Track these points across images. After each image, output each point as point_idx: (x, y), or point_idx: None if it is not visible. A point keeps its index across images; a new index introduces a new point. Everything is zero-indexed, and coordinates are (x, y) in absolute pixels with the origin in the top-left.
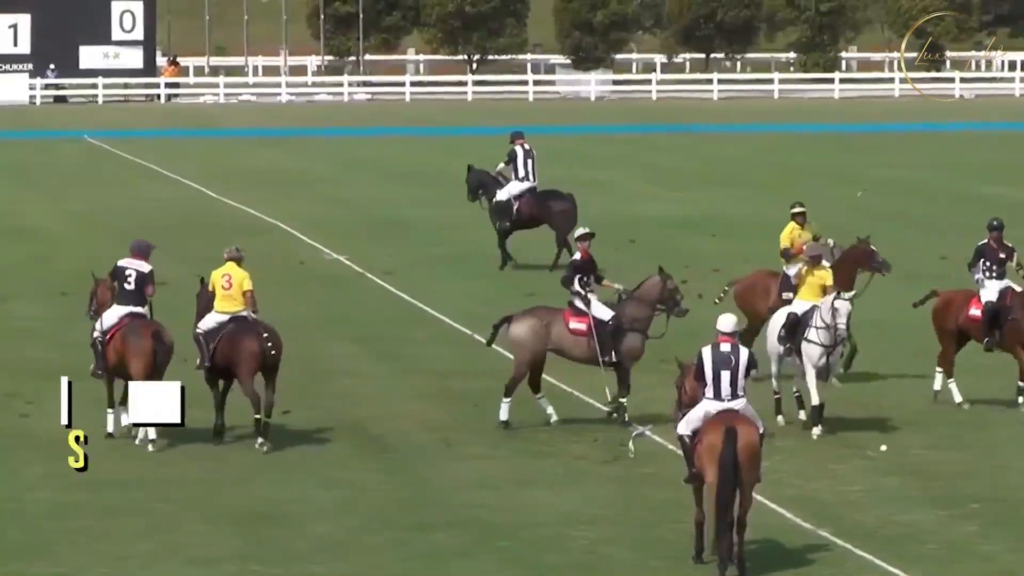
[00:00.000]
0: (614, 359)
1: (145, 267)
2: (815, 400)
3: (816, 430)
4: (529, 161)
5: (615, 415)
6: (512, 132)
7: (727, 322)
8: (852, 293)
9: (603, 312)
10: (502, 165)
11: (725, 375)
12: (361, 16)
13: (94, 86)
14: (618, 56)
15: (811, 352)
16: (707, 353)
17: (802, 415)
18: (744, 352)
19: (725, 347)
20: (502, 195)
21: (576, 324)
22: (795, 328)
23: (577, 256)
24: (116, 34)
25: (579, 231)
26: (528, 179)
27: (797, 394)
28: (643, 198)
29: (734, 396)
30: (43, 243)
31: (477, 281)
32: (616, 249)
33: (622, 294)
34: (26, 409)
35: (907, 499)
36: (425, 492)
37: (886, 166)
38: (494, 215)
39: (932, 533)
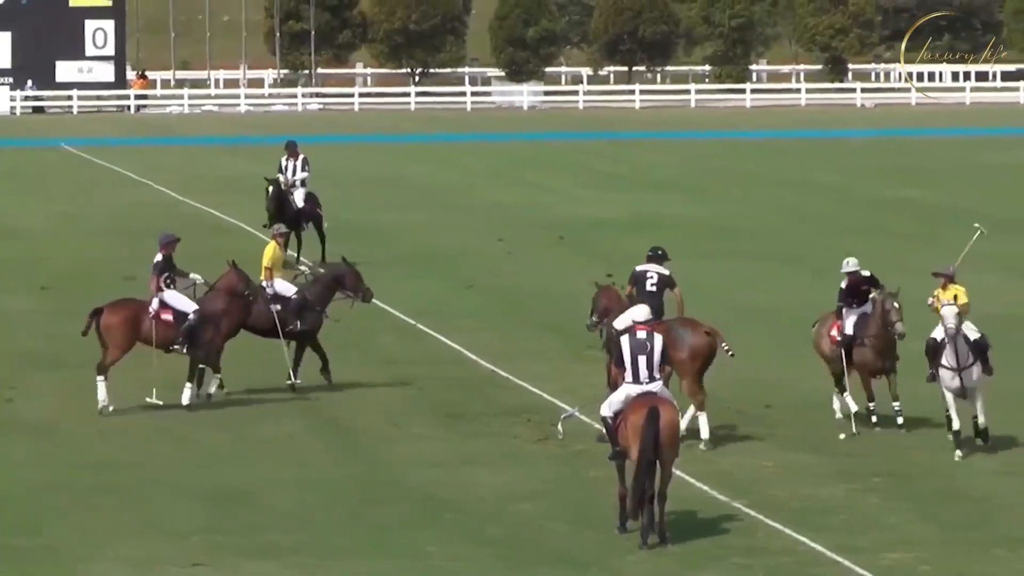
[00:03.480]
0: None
1: (158, 258)
2: (956, 425)
3: (962, 451)
4: None
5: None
6: (289, 141)
7: (642, 312)
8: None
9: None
10: (305, 174)
11: (642, 360)
12: (313, 33)
13: (69, 98)
14: (548, 69)
15: (943, 376)
16: (625, 341)
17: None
18: (658, 339)
19: (641, 335)
20: (300, 202)
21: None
22: (935, 354)
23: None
24: (89, 50)
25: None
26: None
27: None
28: (572, 200)
29: (651, 379)
30: (24, 242)
31: (421, 278)
32: (545, 246)
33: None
34: (12, 395)
35: (815, 474)
36: (376, 470)
37: (795, 169)
38: (302, 221)
39: (839, 505)
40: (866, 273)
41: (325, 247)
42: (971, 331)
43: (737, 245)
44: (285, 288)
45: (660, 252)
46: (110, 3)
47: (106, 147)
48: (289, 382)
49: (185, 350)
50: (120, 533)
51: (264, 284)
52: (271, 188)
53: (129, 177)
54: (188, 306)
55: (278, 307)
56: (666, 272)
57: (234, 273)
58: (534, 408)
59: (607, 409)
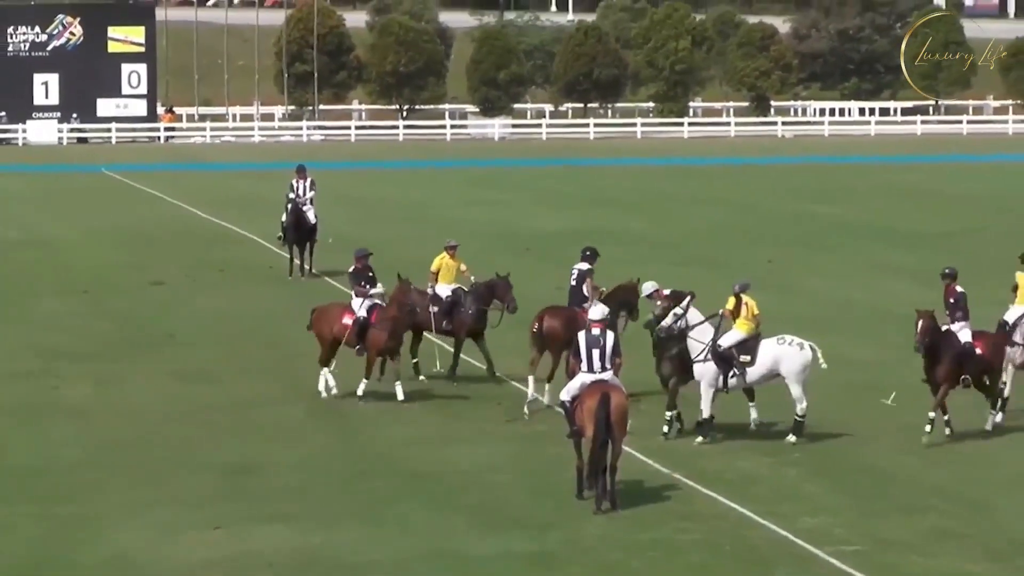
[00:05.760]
0: None
1: (350, 269)
2: (705, 414)
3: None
4: None
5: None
6: (300, 165)
7: (597, 311)
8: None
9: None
10: (313, 193)
11: (595, 352)
12: (316, 75)
13: (109, 130)
14: (516, 105)
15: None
16: (582, 336)
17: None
18: (610, 335)
19: (595, 331)
20: (312, 218)
21: None
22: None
23: None
24: (125, 89)
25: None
26: None
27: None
28: (536, 216)
29: (603, 369)
30: (70, 253)
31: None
32: (515, 255)
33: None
34: (54, 383)
35: (743, 450)
36: (367, 448)
37: (725, 190)
38: (315, 235)
39: (764, 477)
40: (667, 291)
41: (313, 257)
42: (726, 338)
43: (675, 253)
44: (444, 292)
45: (587, 252)
46: (143, 50)
47: (140, 172)
48: (437, 369)
49: (357, 351)
50: (146, 503)
51: (428, 287)
52: (290, 205)
53: (159, 197)
54: (360, 312)
55: (435, 309)
56: (586, 267)
57: (398, 287)
58: (504, 395)
59: (565, 394)
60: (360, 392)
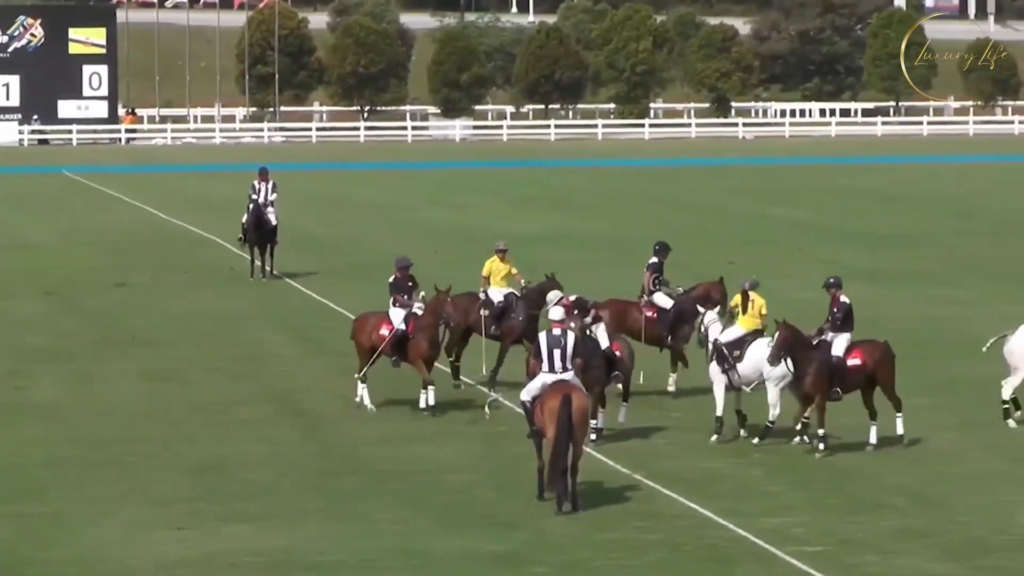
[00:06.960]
0: None
1: (391, 279)
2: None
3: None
4: None
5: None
6: (262, 168)
7: (557, 312)
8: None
9: None
10: (275, 196)
11: (557, 353)
12: (277, 76)
13: (70, 131)
14: (477, 107)
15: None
16: (543, 337)
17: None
18: (571, 336)
19: (556, 332)
20: (274, 220)
21: None
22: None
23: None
24: (87, 91)
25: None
26: None
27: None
28: (499, 217)
29: (564, 370)
30: (33, 254)
31: (369, 283)
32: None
33: None
34: (23, 383)
35: (705, 450)
36: (334, 447)
37: (686, 192)
38: (276, 236)
39: (726, 476)
40: (573, 297)
41: (274, 259)
42: (725, 334)
43: (636, 255)
44: (496, 296)
45: (658, 247)
46: (104, 51)
47: (101, 173)
48: (483, 374)
49: (393, 362)
50: (115, 501)
51: (480, 291)
52: (251, 206)
53: (120, 199)
54: (399, 322)
55: (486, 312)
56: (655, 261)
57: (435, 298)
58: (466, 394)
59: (526, 395)
60: (424, 404)
